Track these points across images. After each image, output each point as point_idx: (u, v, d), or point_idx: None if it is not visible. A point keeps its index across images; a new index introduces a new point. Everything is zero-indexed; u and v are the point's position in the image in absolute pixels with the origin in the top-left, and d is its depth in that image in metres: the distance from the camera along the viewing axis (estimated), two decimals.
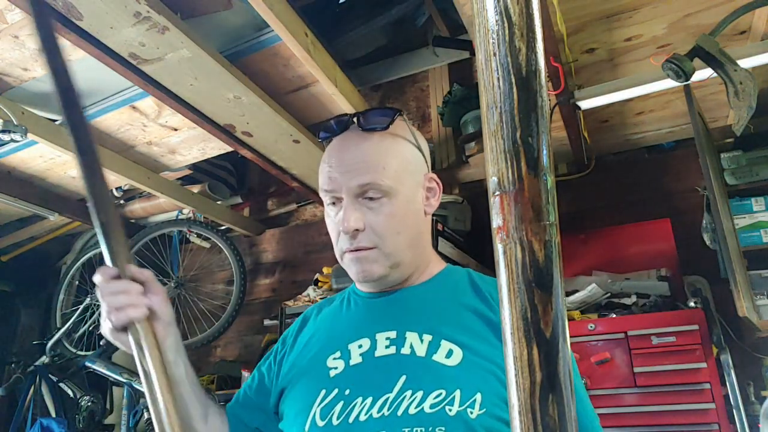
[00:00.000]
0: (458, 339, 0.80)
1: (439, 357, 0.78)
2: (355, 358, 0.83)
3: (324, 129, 0.90)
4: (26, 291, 3.95)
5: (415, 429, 0.72)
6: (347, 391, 0.80)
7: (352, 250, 0.84)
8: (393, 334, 0.83)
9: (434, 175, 0.96)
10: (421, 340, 0.80)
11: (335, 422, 0.77)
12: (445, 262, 0.96)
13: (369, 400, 0.77)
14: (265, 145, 2.50)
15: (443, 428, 0.72)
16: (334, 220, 0.86)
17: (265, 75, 2.11)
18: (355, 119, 0.88)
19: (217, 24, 1.89)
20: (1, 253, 3.66)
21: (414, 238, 0.88)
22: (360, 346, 0.84)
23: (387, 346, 0.82)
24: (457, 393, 0.73)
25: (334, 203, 0.86)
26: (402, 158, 0.87)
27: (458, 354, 0.78)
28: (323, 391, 0.81)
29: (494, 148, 0.39)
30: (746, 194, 2.26)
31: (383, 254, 0.84)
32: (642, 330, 1.88)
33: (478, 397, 0.73)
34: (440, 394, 0.74)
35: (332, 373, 0.83)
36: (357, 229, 0.82)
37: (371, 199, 0.83)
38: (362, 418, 0.76)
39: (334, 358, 0.85)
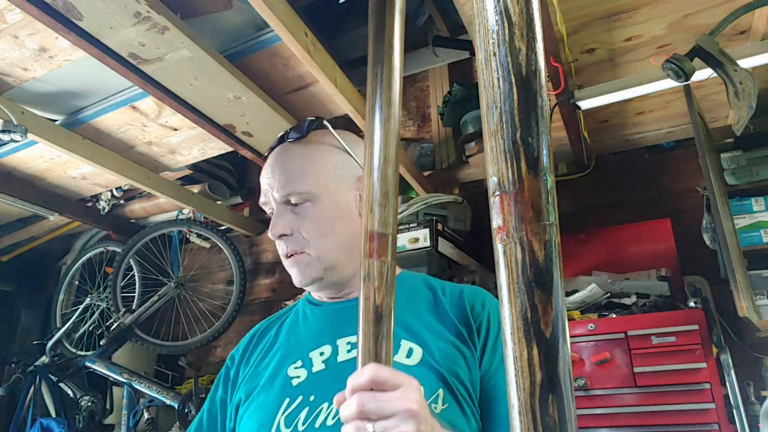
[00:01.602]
0: (417, 338, 0.82)
1: (399, 357, 0.80)
2: (318, 365, 0.84)
3: (269, 148, 0.96)
4: (26, 291, 3.95)
5: None
6: (312, 398, 0.80)
7: (287, 256, 0.88)
8: (353, 339, 0.84)
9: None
10: None
11: (300, 428, 0.78)
12: (401, 268, 0.96)
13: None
14: (265, 145, 2.50)
15: None
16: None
17: (265, 75, 2.11)
18: (285, 135, 0.93)
19: (217, 24, 1.89)
20: (1, 253, 3.66)
21: (347, 241, 0.89)
22: (321, 354, 0.86)
23: (348, 351, 0.84)
24: None
25: (272, 213, 0.90)
26: (324, 163, 0.90)
27: (418, 353, 0.81)
28: (287, 400, 0.82)
29: (494, 148, 0.39)
30: (746, 194, 2.25)
31: (313, 258, 0.87)
32: (642, 330, 1.88)
33: (441, 392, 0.76)
34: None
35: (295, 381, 0.84)
36: (284, 234, 0.87)
37: (295, 204, 0.87)
38: (329, 422, 0.77)
39: (296, 368, 0.86)
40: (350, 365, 0.81)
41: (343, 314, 0.90)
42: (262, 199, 0.92)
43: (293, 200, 0.87)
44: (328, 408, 0.78)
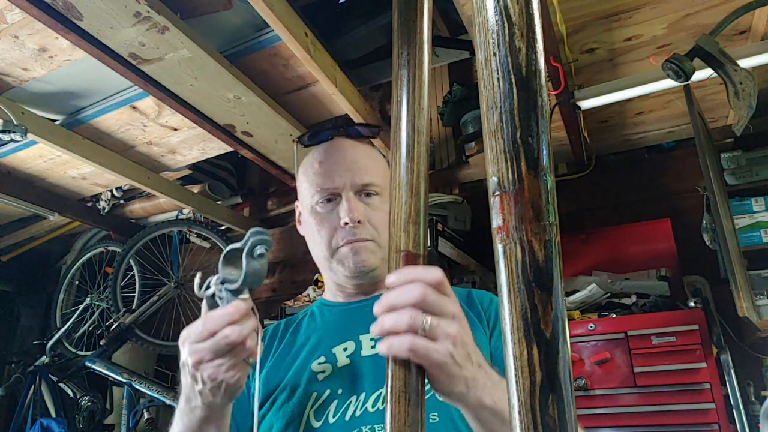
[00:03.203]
0: None
1: None
2: (342, 360, 0.86)
3: (308, 136, 0.98)
4: (26, 291, 3.95)
5: (431, 414, 0.77)
6: (340, 391, 0.82)
7: (349, 242, 0.88)
8: None
9: None
10: None
11: (332, 420, 0.79)
12: None
13: (363, 396, 0.80)
14: (265, 145, 2.50)
15: (436, 414, 0.78)
16: (329, 216, 0.90)
17: (265, 75, 2.11)
18: (342, 129, 0.97)
19: (217, 24, 1.89)
20: (1, 253, 3.66)
21: None
22: (345, 349, 0.87)
23: (372, 346, 0.86)
24: None
25: (329, 200, 0.91)
26: (384, 167, 0.96)
27: None
28: (314, 394, 0.83)
29: (494, 148, 0.39)
30: (746, 194, 2.25)
31: (379, 246, 0.89)
32: (642, 330, 1.88)
33: None
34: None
35: (320, 376, 0.85)
36: (360, 221, 0.88)
37: (369, 195, 0.91)
38: (357, 413, 0.79)
39: (320, 363, 0.87)
40: (374, 359, 0.83)
41: (363, 312, 0.91)
42: (328, 184, 0.90)
43: (371, 190, 0.91)
44: (356, 400, 0.80)
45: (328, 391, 0.82)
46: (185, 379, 0.66)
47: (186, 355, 0.63)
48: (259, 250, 0.59)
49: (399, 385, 0.53)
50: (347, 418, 0.79)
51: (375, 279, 0.93)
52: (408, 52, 0.61)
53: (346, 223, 0.88)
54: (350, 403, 0.80)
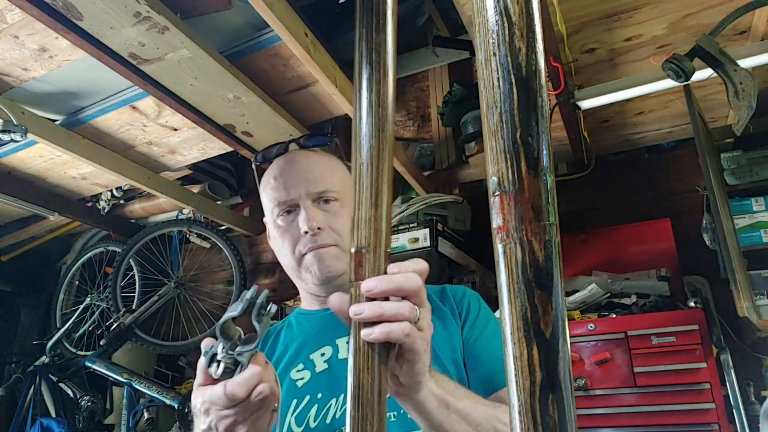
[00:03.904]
0: None
1: None
2: (320, 366, 0.88)
3: (262, 154, 1.01)
4: (26, 291, 3.95)
5: (390, 414, 0.78)
6: (319, 395, 0.84)
7: (313, 248, 0.89)
8: None
9: None
10: None
11: (313, 425, 0.81)
12: None
13: (342, 398, 0.82)
14: (265, 145, 2.49)
15: (394, 413, 0.80)
16: (289, 227, 0.92)
17: (265, 75, 2.11)
18: (294, 142, 1.02)
19: (217, 24, 1.89)
20: (1, 253, 3.66)
21: None
22: (323, 354, 0.89)
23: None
24: None
25: (289, 212, 0.93)
26: (343, 172, 0.99)
27: None
28: (294, 401, 0.84)
29: (494, 148, 0.39)
30: (746, 194, 2.25)
31: (342, 251, 0.91)
32: (642, 330, 1.88)
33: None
34: None
35: (299, 383, 0.86)
36: (320, 228, 0.89)
37: (327, 201, 0.92)
38: (338, 415, 0.80)
39: (298, 371, 0.88)
40: None
41: (338, 317, 0.91)
42: (284, 197, 0.92)
43: (326, 197, 0.92)
44: (336, 403, 0.82)
45: (308, 397, 0.84)
46: None
47: (215, 420, 0.61)
48: (270, 307, 0.60)
49: (367, 381, 0.53)
50: (328, 420, 0.80)
51: (344, 284, 0.93)
52: (370, 22, 0.57)
53: (306, 232, 0.89)
54: (330, 406, 0.82)
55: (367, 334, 0.53)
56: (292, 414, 0.83)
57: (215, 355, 0.61)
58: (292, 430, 0.81)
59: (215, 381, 0.60)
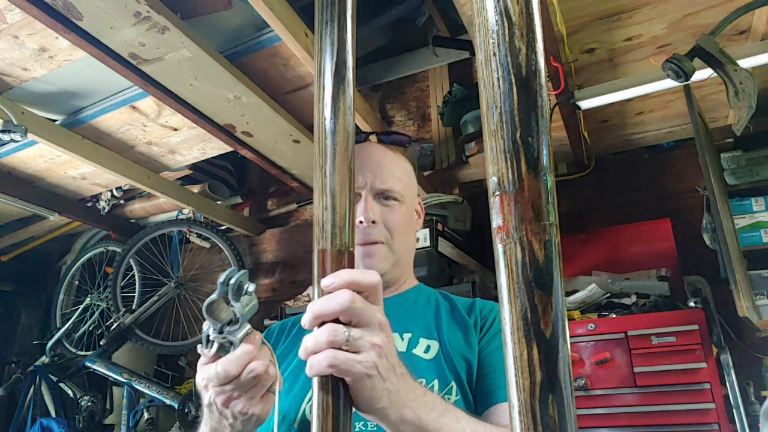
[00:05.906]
0: (434, 336, 0.90)
1: (418, 351, 0.88)
2: None
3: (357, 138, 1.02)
4: (26, 291, 3.95)
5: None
6: None
7: (362, 244, 0.91)
8: None
9: (421, 201, 1.11)
10: (402, 338, 0.90)
11: None
12: (417, 281, 1.07)
13: None
14: (265, 145, 2.50)
15: (363, 423, 0.80)
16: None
17: (265, 75, 2.11)
18: (374, 135, 1.04)
19: (217, 24, 1.89)
20: (1, 253, 3.66)
21: (410, 246, 1.01)
22: None
23: None
24: (435, 382, 0.83)
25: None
26: (410, 176, 1.02)
27: (435, 349, 0.88)
28: (311, 391, 0.83)
29: (494, 148, 0.39)
30: (746, 194, 2.25)
31: (390, 250, 0.94)
32: (642, 330, 1.88)
33: (453, 385, 0.84)
34: (421, 382, 0.79)
35: None
36: (374, 221, 0.92)
37: (387, 198, 0.95)
38: None
39: None
40: None
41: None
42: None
43: (389, 195, 0.95)
44: None
45: None
46: (213, 417, 0.66)
47: (212, 396, 0.63)
48: (247, 286, 0.61)
49: (324, 402, 0.53)
50: None
51: (385, 284, 0.94)
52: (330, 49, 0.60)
53: (361, 222, 0.91)
54: None
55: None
56: (308, 402, 0.84)
57: (209, 336, 0.63)
58: (305, 416, 0.82)
59: (214, 360, 0.62)
